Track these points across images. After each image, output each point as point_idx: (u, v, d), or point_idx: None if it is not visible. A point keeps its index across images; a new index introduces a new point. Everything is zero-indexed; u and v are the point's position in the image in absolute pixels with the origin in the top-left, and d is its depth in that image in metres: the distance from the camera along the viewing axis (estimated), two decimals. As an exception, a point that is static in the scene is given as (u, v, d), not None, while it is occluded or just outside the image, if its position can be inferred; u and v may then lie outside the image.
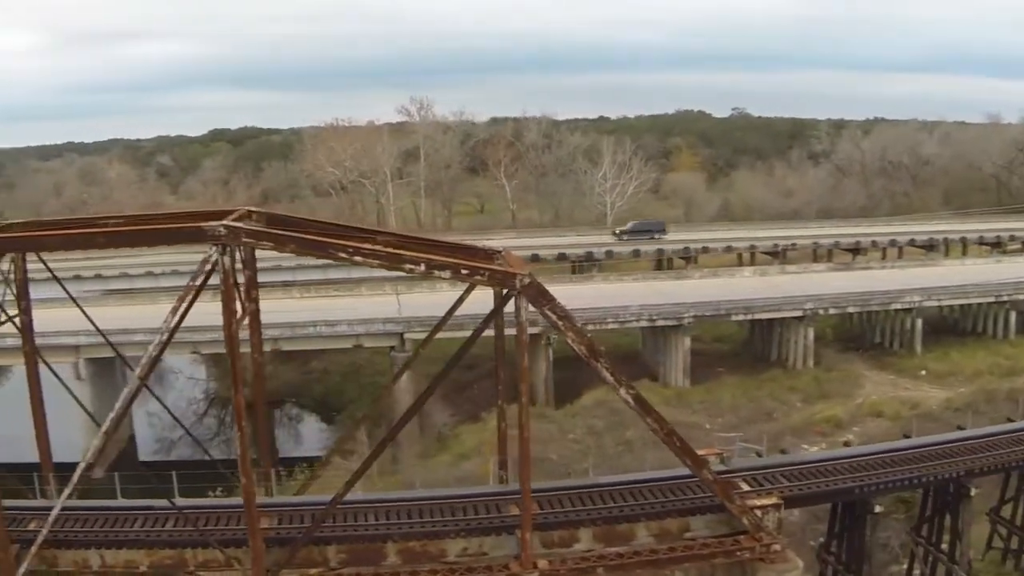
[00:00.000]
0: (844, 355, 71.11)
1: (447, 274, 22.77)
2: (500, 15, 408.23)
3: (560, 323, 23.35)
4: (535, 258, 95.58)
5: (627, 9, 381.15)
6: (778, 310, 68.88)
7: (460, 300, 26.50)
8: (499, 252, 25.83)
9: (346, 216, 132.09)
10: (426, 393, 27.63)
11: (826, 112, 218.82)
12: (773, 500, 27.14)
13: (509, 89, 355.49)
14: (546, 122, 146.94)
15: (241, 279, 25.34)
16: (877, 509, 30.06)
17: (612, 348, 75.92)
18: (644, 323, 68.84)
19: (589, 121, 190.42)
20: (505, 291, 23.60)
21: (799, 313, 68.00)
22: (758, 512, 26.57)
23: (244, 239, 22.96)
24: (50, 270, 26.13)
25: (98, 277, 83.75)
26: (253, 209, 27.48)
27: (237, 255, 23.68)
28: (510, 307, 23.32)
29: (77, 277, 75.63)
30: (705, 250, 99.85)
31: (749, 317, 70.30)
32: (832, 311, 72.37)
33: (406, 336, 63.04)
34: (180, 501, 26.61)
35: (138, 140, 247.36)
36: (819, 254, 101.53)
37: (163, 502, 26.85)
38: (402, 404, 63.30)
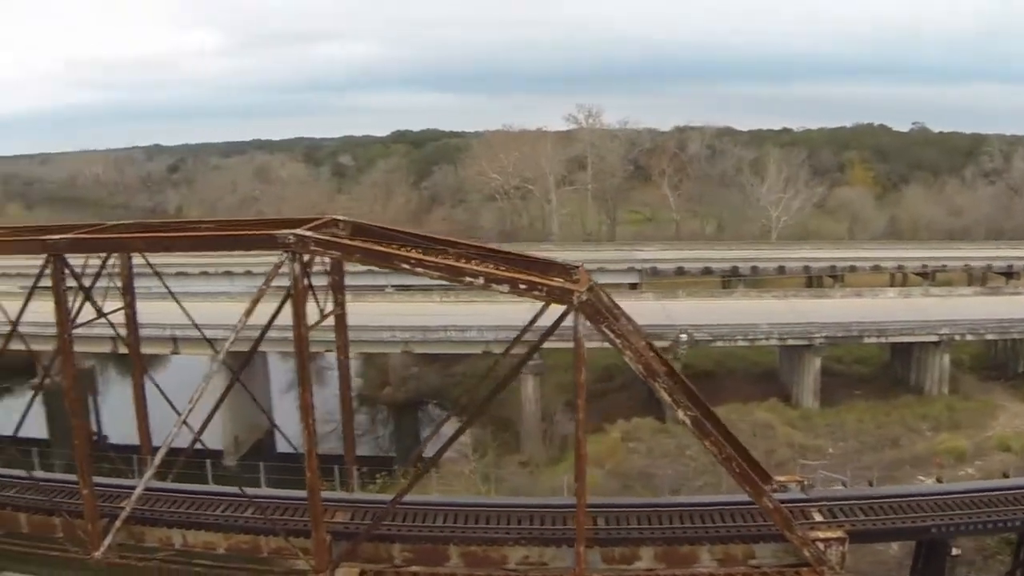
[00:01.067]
0: (984, 384, 68.32)
1: (505, 288, 23.28)
2: (670, 22, 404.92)
3: (617, 341, 23.53)
4: (680, 271, 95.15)
5: (807, 22, 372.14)
6: (912, 334, 66.73)
7: (538, 314, 26.75)
8: (575, 267, 26.14)
9: (509, 222, 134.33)
10: (471, 419, 28.13)
11: (1006, 128, 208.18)
12: (837, 534, 26.56)
13: (680, 99, 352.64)
14: (709, 132, 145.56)
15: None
16: (955, 552, 29.00)
17: (749, 366, 75.05)
18: (774, 342, 67.79)
19: (769, 132, 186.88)
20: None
21: (934, 338, 65.74)
22: (820, 544, 26.09)
23: (312, 247, 24.04)
24: (151, 267, 27.81)
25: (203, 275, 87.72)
26: (339, 218, 28.71)
27: (311, 261, 24.89)
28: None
29: (204, 274, 79.66)
30: (852, 269, 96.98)
31: (882, 340, 68.36)
32: (970, 337, 69.24)
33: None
34: (256, 491, 28.32)
35: (322, 139, 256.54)
36: (972, 276, 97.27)
37: (251, 490, 28.70)
38: (527, 410, 64.32)
